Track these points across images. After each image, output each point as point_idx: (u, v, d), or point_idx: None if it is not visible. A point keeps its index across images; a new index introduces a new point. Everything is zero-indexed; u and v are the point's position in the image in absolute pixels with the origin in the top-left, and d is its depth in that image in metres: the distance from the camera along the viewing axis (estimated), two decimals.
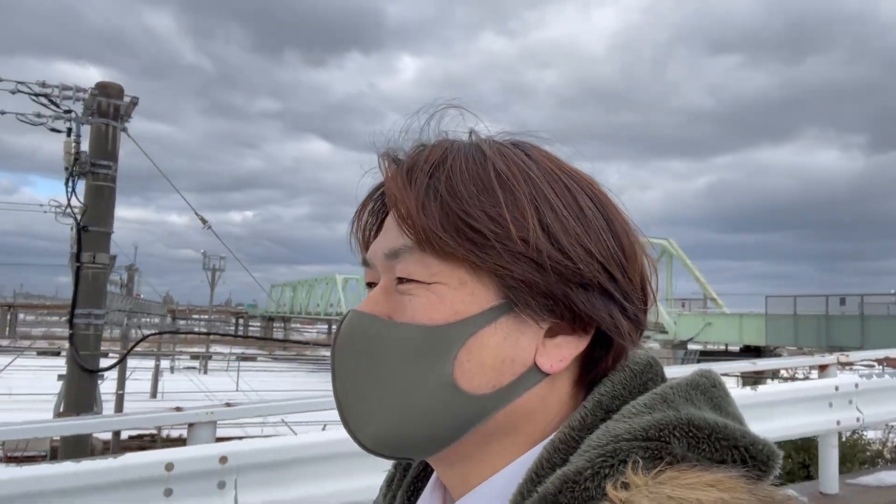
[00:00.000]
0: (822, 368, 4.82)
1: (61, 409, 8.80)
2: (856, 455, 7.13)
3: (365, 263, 0.62)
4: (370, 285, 0.62)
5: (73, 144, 8.17)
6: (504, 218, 0.53)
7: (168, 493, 2.46)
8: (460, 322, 0.53)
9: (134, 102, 8.57)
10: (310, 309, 64.72)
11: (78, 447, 8.11)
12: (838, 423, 4.15)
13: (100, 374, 8.66)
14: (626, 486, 0.45)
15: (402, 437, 0.54)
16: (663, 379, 0.57)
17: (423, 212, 0.54)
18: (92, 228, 8.57)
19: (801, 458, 6.95)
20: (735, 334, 23.44)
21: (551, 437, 0.54)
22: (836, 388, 4.20)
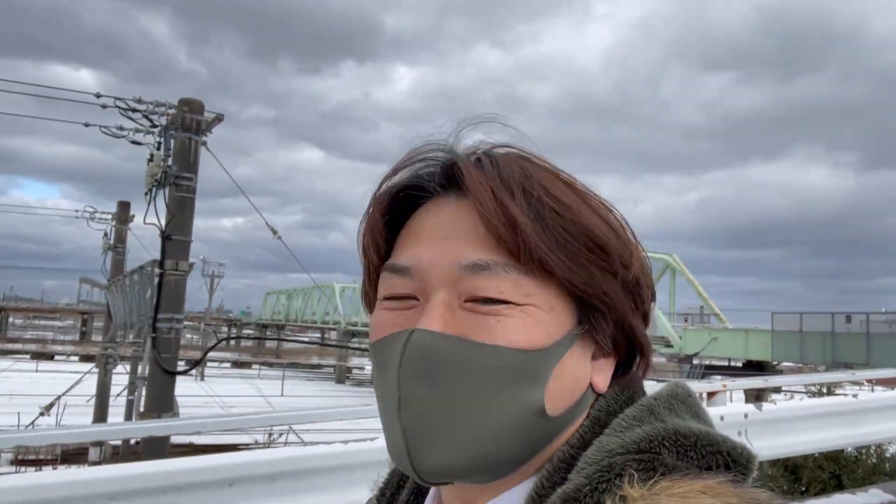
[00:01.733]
0: (710, 395, 4.51)
1: (142, 410, 9.22)
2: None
3: (399, 271, 0.55)
4: (397, 299, 0.56)
5: (164, 158, 8.67)
6: (610, 238, 0.53)
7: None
8: (552, 346, 0.52)
9: (219, 118, 9.05)
10: (306, 317, 64.80)
11: (159, 447, 8.53)
12: None
13: (181, 374, 9.10)
14: (623, 499, 0.46)
15: (479, 464, 0.52)
16: (644, 391, 0.59)
17: (533, 226, 0.51)
18: (174, 237, 9.06)
19: (831, 468, 6.79)
20: (741, 349, 24.09)
21: (552, 457, 0.54)
22: (722, 419, 3.92)
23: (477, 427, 0.51)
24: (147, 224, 9.06)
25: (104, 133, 9.18)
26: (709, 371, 23.78)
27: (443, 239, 0.54)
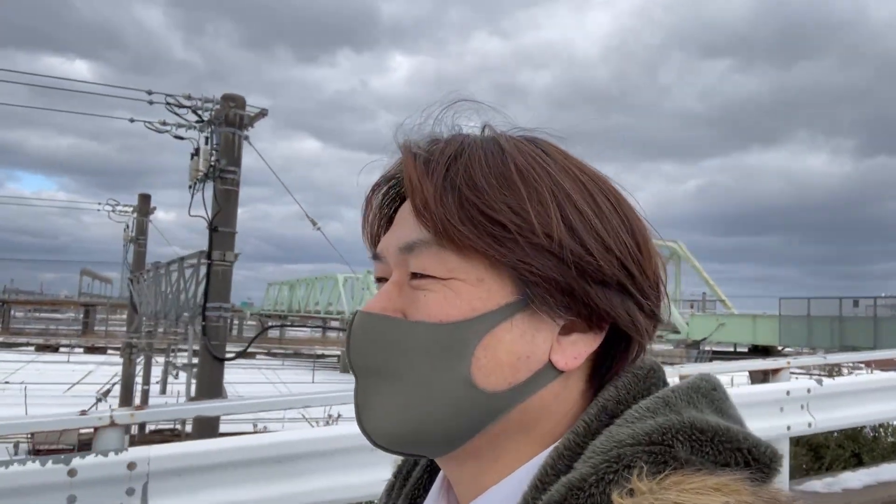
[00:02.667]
0: (774, 372, 4.69)
1: (192, 395, 9.56)
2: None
3: (375, 257, 0.61)
4: (380, 281, 0.60)
5: (212, 152, 8.94)
6: (527, 211, 0.52)
7: (71, 499, 2.32)
8: (477, 318, 0.53)
9: (263, 113, 9.29)
10: (309, 308, 65.16)
11: (209, 427, 8.88)
12: (788, 428, 4.16)
13: (230, 360, 9.42)
14: (631, 492, 0.45)
15: (417, 435, 0.54)
16: (665, 383, 0.57)
17: (442, 204, 0.53)
18: (221, 229, 9.35)
19: (852, 447, 6.86)
20: (748, 335, 24.52)
21: (556, 443, 0.53)
22: (788, 393, 4.17)
23: (408, 399, 0.54)
24: (193, 216, 9.36)
25: (148, 128, 9.44)
26: (715, 356, 24.20)
27: (397, 226, 0.59)
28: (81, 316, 76.14)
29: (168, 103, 9.01)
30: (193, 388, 9.88)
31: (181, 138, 9.66)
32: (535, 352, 0.54)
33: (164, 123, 9.63)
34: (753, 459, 0.49)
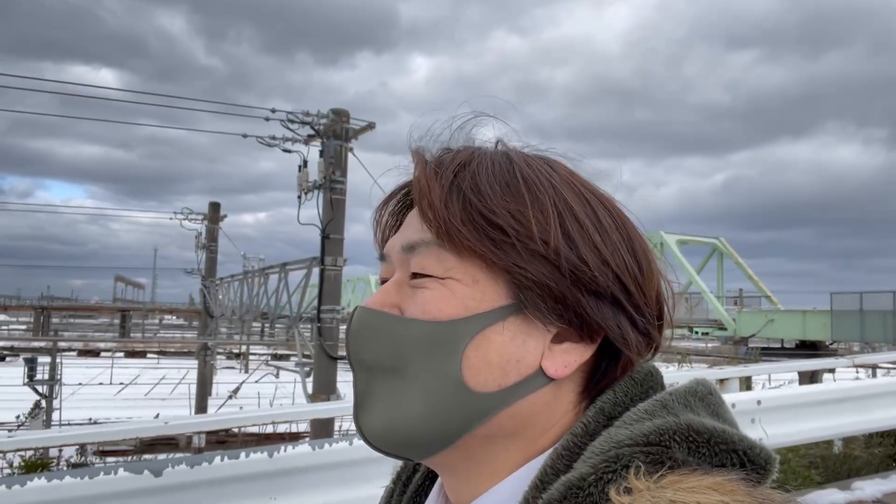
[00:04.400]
0: (721, 383, 4.33)
1: (310, 392, 10.14)
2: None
3: (382, 258, 0.63)
4: (385, 281, 0.61)
5: (329, 164, 9.50)
6: (527, 217, 0.53)
7: None
8: (470, 318, 0.54)
9: (371, 126, 9.82)
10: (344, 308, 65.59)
11: (324, 428, 9.44)
12: None
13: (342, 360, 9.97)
14: (628, 490, 0.46)
15: (406, 432, 0.55)
16: (663, 387, 0.58)
17: (446, 205, 0.55)
18: (332, 236, 9.92)
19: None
20: (798, 330, 24.66)
21: (554, 445, 0.54)
22: (734, 406, 3.68)
23: (400, 393, 0.55)
24: (303, 224, 9.94)
25: (260, 143, 10.05)
26: (765, 352, 24.40)
27: (404, 227, 0.61)
28: (119, 321, 77.53)
29: (290, 120, 9.60)
30: (300, 388, 10.43)
31: (289, 151, 10.25)
32: (526, 356, 0.55)
33: (274, 138, 10.23)
34: (749, 461, 0.49)
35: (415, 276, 0.57)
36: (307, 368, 10.37)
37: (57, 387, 23.52)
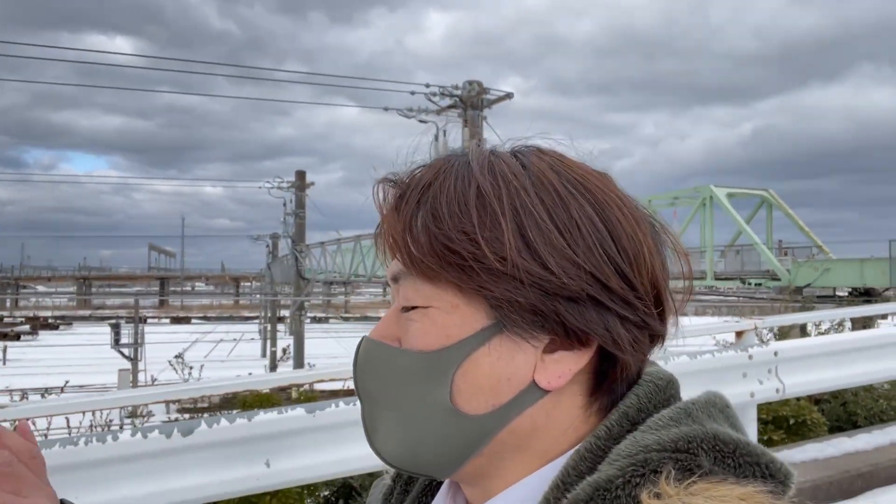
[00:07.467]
0: (738, 335, 4.38)
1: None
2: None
3: (388, 282, 0.63)
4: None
5: (473, 133, 10.19)
6: (478, 237, 0.53)
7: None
8: (454, 346, 0.54)
9: (509, 96, 10.39)
10: (377, 273, 66.52)
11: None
12: (752, 395, 3.77)
13: None
14: (658, 495, 0.46)
15: (415, 458, 0.57)
16: (679, 397, 0.58)
17: (410, 237, 0.55)
18: None
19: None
20: (856, 278, 25.27)
21: (577, 446, 0.54)
22: (751, 357, 3.76)
23: (401, 425, 0.57)
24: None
25: (400, 115, 10.76)
26: (820, 299, 25.09)
27: (391, 259, 0.61)
28: (158, 288, 79.36)
29: (438, 93, 10.28)
30: None
31: (425, 122, 10.91)
32: (517, 373, 0.54)
33: (411, 110, 10.92)
34: (770, 475, 0.50)
35: (405, 308, 0.58)
36: None
37: (140, 349, 24.83)
